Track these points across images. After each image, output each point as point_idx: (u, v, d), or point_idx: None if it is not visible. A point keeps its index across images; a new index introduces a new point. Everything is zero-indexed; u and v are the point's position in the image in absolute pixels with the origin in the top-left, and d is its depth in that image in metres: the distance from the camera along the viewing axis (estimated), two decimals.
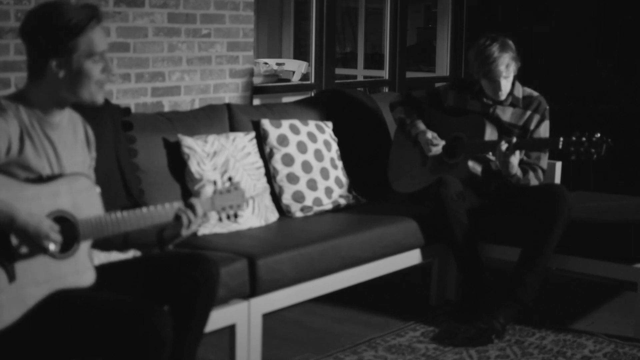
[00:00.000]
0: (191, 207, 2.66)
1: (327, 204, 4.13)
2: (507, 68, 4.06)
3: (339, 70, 7.02)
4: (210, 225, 3.62)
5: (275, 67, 8.01)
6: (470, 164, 4.14)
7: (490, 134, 4.13)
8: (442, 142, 4.18)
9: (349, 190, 4.28)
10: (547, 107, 4.21)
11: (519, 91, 4.20)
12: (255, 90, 4.87)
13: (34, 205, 2.37)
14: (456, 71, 6.41)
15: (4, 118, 2.38)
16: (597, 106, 5.86)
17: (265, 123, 4.10)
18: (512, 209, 4.13)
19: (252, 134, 4.02)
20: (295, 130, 4.17)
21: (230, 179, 2.84)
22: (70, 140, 2.57)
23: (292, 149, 4.10)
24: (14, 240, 2.33)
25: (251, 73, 4.71)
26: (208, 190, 3.61)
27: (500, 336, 3.79)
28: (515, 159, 3.99)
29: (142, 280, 2.66)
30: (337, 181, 4.23)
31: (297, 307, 4.08)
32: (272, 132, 4.09)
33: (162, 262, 2.71)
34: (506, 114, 4.19)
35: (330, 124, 4.40)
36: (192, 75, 4.40)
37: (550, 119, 4.23)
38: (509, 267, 4.00)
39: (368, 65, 8.45)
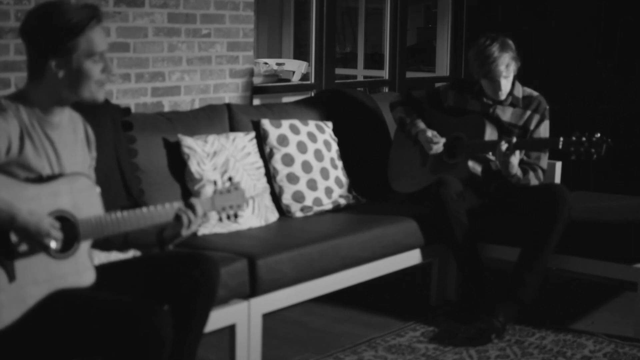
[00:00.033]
0: (191, 207, 2.66)
1: (327, 204, 4.13)
2: (507, 68, 4.07)
3: (339, 70, 7.02)
4: (210, 225, 3.62)
5: (275, 67, 8.01)
6: (470, 164, 4.14)
7: (490, 134, 4.13)
8: (443, 140, 4.18)
9: (349, 190, 4.28)
10: (547, 107, 4.21)
11: (519, 91, 4.20)
12: (255, 90, 4.87)
13: (34, 205, 2.37)
14: (456, 71, 6.41)
15: (4, 118, 2.38)
16: (597, 106, 5.86)
17: (265, 123, 4.10)
18: (512, 209, 4.13)
19: (252, 134, 4.02)
20: (295, 130, 4.17)
21: (230, 179, 2.84)
22: (70, 140, 2.57)
23: (292, 149, 4.10)
24: (13, 238, 2.33)
25: (251, 73, 4.71)
26: (208, 190, 3.61)
27: (500, 335, 3.79)
28: (515, 159, 3.99)
29: (142, 280, 2.66)
30: (337, 181, 4.23)
31: (297, 307, 4.08)
32: (272, 132, 4.09)
33: (162, 261, 2.71)
34: (506, 114, 4.19)
35: (330, 124, 4.40)
36: (192, 75, 4.40)
37: (550, 119, 4.23)
38: (509, 267, 4.00)
39: (368, 65, 8.45)
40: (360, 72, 8.37)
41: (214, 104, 4.25)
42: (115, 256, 2.95)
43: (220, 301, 3.10)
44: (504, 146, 3.96)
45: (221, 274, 2.84)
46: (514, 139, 3.99)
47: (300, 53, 10.22)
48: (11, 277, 2.34)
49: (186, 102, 4.37)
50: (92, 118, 2.80)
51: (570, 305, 4.36)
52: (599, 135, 3.86)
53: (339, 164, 4.31)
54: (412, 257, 4.07)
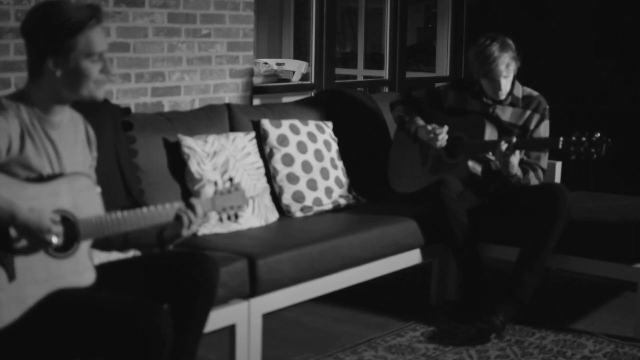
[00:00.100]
0: (192, 208, 2.66)
1: (327, 204, 4.13)
2: (507, 68, 4.07)
3: (339, 70, 7.02)
4: (211, 225, 3.62)
5: (275, 67, 8.01)
6: (470, 164, 4.14)
7: (490, 133, 4.13)
8: (446, 128, 4.14)
9: (349, 190, 4.28)
10: (547, 107, 4.22)
11: (519, 91, 4.21)
12: (255, 90, 4.87)
13: (34, 205, 2.37)
14: (456, 71, 6.41)
15: (5, 117, 2.38)
16: (597, 106, 5.86)
17: (265, 123, 4.10)
18: (512, 209, 4.13)
19: (252, 134, 4.02)
20: (295, 130, 4.17)
21: (231, 179, 2.84)
22: (71, 139, 2.57)
23: (292, 149, 4.10)
24: (13, 233, 2.33)
25: (251, 73, 4.71)
26: (208, 191, 3.61)
27: (500, 335, 3.79)
28: (515, 158, 3.99)
29: (142, 279, 2.66)
30: (337, 181, 4.23)
31: (297, 307, 4.08)
32: (272, 132, 4.09)
33: (162, 261, 2.71)
34: (506, 114, 4.19)
35: (330, 124, 4.40)
36: (192, 75, 4.40)
37: (550, 119, 4.23)
38: (509, 267, 4.00)
39: (368, 65, 8.45)
40: (360, 72, 8.37)
41: (214, 104, 4.25)
42: (115, 256, 2.95)
43: (220, 301, 3.10)
44: (504, 146, 3.96)
45: (221, 274, 2.84)
46: (514, 139, 3.99)
47: (300, 53, 10.21)
48: (11, 276, 2.34)
49: (186, 102, 4.37)
50: (92, 118, 2.80)
51: (570, 305, 4.36)
52: (599, 135, 3.86)
53: (339, 164, 4.31)
54: (412, 257, 4.07)
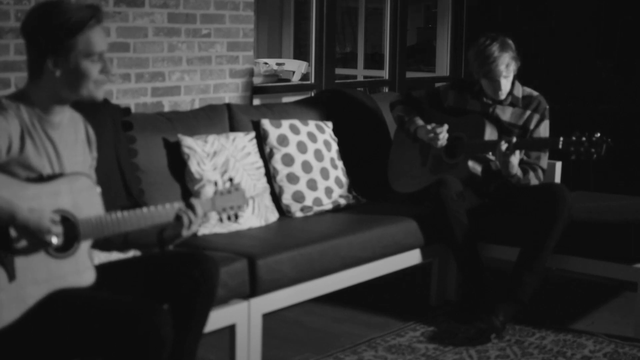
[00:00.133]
0: (192, 208, 2.66)
1: (327, 204, 4.13)
2: (507, 68, 4.07)
3: (339, 70, 7.02)
4: (211, 225, 3.62)
5: (275, 67, 8.01)
6: (470, 164, 4.14)
7: (490, 133, 4.13)
8: (446, 127, 4.14)
9: (349, 190, 4.28)
10: (547, 107, 4.22)
11: (519, 91, 4.21)
12: (255, 90, 4.87)
13: (34, 205, 2.37)
14: (456, 71, 6.41)
15: (5, 117, 2.38)
16: (597, 106, 5.86)
17: (265, 123, 4.10)
18: (512, 209, 4.13)
19: (252, 134, 4.02)
20: (295, 130, 4.17)
21: (231, 179, 2.84)
22: (71, 139, 2.57)
23: (292, 149, 4.10)
24: (13, 233, 2.33)
25: (251, 73, 4.71)
26: (208, 191, 3.61)
27: (500, 335, 3.79)
28: (515, 158, 3.99)
29: (142, 279, 2.66)
30: (337, 181, 4.23)
31: (297, 307, 4.08)
32: (272, 132, 4.09)
33: (162, 261, 2.71)
34: (506, 114, 4.19)
35: (330, 124, 4.40)
36: (192, 75, 4.40)
37: (550, 119, 4.23)
38: (509, 267, 4.00)
39: (368, 65, 8.46)
40: (360, 72, 8.37)
41: (214, 104, 4.25)
42: (115, 256, 2.95)
43: (220, 301, 3.10)
44: (504, 146, 3.96)
45: (221, 274, 2.84)
46: (514, 139, 3.99)
47: (300, 53, 10.21)
48: (11, 276, 2.34)
49: (186, 102, 4.37)
50: (92, 118, 2.80)
51: (570, 305, 4.36)
52: (599, 135, 3.86)
53: (339, 164, 4.31)
54: (412, 257, 4.07)
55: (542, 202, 3.95)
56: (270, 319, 3.80)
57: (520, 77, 4.23)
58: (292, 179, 4.06)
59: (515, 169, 4.02)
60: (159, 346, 2.35)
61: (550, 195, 3.95)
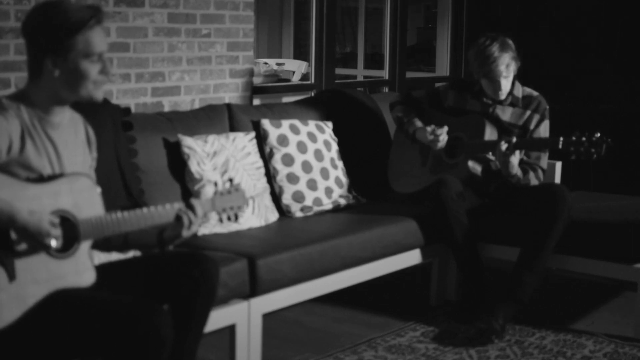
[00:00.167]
0: (192, 208, 2.66)
1: (327, 204, 4.13)
2: (507, 68, 4.07)
3: (339, 70, 7.02)
4: (210, 226, 3.62)
5: (275, 67, 8.01)
6: (470, 164, 4.14)
7: (490, 133, 4.13)
8: (445, 128, 4.14)
9: (349, 190, 4.28)
10: (547, 107, 4.21)
11: (519, 91, 4.21)
12: (255, 90, 4.87)
13: (34, 205, 2.37)
14: (456, 71, 6.41)
15: (5, 117, 2.39)
16: (597, 106, 5.86)
17: (265, 123, 4.10)
18: (512, 209, 4.13)
19: (252, 134, 4.02)
20: (295, 130, 4.17)
21: (231, 180, 2.84)
22: (71, 139, 2.57)
23: (292, 149, 4.10)
24: (13, 235, 2.33)
25: (251, 73, 4.71)
26: (208, 191, 3.61)
27: (499, 336, 3.79)
28: (515, 158, 3.99)
29: (142, 280, 2.66)
30: (337, 181, 4.23)
31: (297, 307, 4.08)
32: (272, 132, 4.09)
33: (162, 261, 2.71)
34: (506, 114, 4.19)
35: (330, 124, 4.40)
36: (192, 75, 4.40)
37: (550, 119, 4.22)
38: (509, 267, 4.00)
39: (368, 65, 8.46)
40: (360, 72, 8.38)
41: (214, 104, 4.25)
42: (115, 256, 2.95)
43: (220, 301, 3.10)
44: (503, 146, 3.96)
45: (221, 274, 2.84)
46: (514, 139, 3.99)
47: (300, 53, 10.22)
48: (11, 276, 2.34)
49: (186, 102, 4.37)
50: (92, 118, 2.80)
51: (570, 305, 4.36)
52: (599, 135, 3.86)
53: (339, 164, 4.31)
54: (412, 257, 4.07)
55: (542, 202, 3.95)
56: (270, 319, 3.80)
57: (520, 77, 4.23)
58: (292, 179, 4.06)
59: (515, 169, 4.02)
60: (159, 346, 2.35)
61: (550, 195, 3.95)
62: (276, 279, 3.37)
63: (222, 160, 3.79)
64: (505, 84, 4.11)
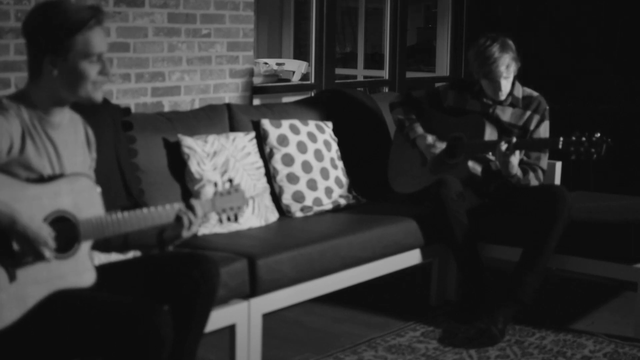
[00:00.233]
0: (192, 209, 2.66)
1: (327, 204, 4.13)
2: (507, 68, 4.06)
3: (339, 70, 7.02)
4: (210, 226, 3.62)
5: (275, 67, 8.02)
6: (470, 164, 4.14)
7: (490, 134, 4.13)
8: (443, 145, 4.17)
9: (349, 190, 4.28)
10: (547, 107, 4.21)
11: (519, 91, 4.20)
12: (255, 90, 4.88)
13: (35, 205, 2.37)
14: (456, 71, 6.41)
15: (6, 117, 2.39)
16: (597, 106, 5.86)
17: (265, 123, 4.10)
18: (512, 209, 4.13)
19: (252, 134, 4.02)
20: (295, 130, 4.17)
21: (231, 180, 2.84)
22: (71, 140, 2.57)
23: (292, 149, 4.10)
24: (16, 246, 2.33)
25: (251, 73, 4.71)
26: (208, 191, 3.61)
27: (498, 341, 3.78)
28: (515, 159, 3.99)
29: (142, 280, 2.66)
30: (337, 181, 4.23)
31: (297, 307, 4.08)
32: (272, 132, 4.09)
33: (162, 262, 2.71)
34: (506, 114, 4.19)
35: (330, 124, 4.40)
36: (192, 75, 4.40)
37: (550, 119, 4.22)
38: (509, 267, 4.00)
39: (368, 65, 8.46)
40: (360, 72, 8.38)
41: (214, 104, 4.25)
42: (115, 257, 2.95)
43: (220, 301, 3.10)
44: (503, 146, 3.96)
45: (221, 274, 2.83)
46: (514, 139, 3.99)
47: (300, 53, 10.22)
48: (12, 276, 2.34)
49: (186, 102, 4.37)
50: (92, 118, 2.80)
51: (570, 305, 4.36)
52: (599, 135, 3.86)
53: (339, 164, 4.31)
54: (412, 257, 4.07)
55: (542, 202, 3.95)
56: (270, 319, 3.80)
57: (520, 77, 4.23)
58: (292, 179, 4.06)
59: (515, 169, 4.02)
60: (159, 346, 2.35)
61: (550, 195, 3.96)
62: (276, 279, 3.37)
63: (222, 160, 3.79)
64: (506, 85, 4.11)
